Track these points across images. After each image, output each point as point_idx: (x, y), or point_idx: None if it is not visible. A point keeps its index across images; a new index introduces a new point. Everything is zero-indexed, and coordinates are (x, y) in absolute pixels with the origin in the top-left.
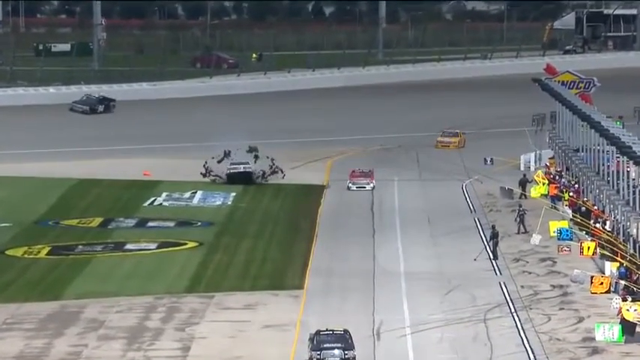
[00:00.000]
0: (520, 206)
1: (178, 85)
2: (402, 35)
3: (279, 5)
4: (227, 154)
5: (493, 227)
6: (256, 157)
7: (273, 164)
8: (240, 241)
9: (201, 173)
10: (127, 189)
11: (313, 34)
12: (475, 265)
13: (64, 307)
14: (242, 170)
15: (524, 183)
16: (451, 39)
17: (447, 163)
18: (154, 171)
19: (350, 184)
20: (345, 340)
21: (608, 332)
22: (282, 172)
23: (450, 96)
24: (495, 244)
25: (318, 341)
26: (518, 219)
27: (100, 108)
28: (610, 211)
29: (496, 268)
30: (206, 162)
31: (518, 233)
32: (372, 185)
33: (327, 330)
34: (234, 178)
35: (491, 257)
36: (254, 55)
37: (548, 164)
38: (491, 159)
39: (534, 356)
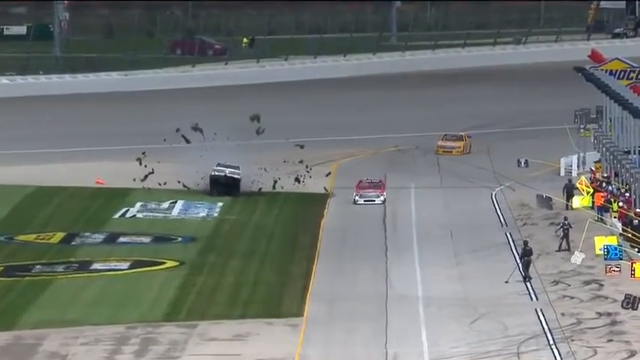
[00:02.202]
0: (565, 219)
1: (155, 76)
2: (420, 16)
3: None
4: (196, 129)
5: (525, 243)
6: (197, 129)
7: (303, 172)
8: (228, 260)
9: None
10: (93, 198)
11: (314, 14)
12: (506, 288)
13: (18, 339)
14: (224, 175)
15: (570, 190)
16: (478, 20)
17: (473, 167)
18: (116, 177)
19: (356, 197)
20: None
21: None
22: (298, 181)
23: (476, 88)
24: (527, 264)
25: None
26: (561, 233)
27: None
28: None
29: (531, 292)
30: (141, 158)
31: (559, 250)
32: (382, 198)
33: None
34: (215, 185)
35: (523, 279)
36: (245, 40)
37: (593, 169)
38: (526, 161)
39: None
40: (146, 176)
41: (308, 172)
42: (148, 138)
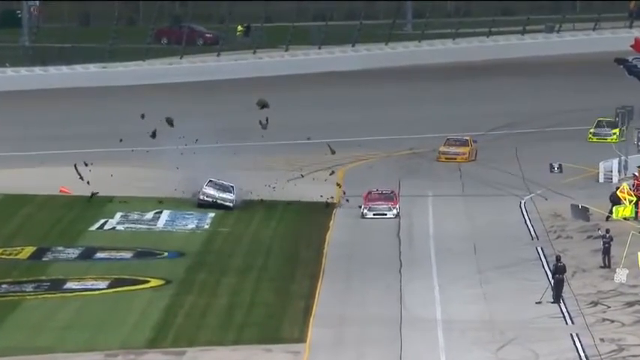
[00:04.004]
0: (607, 231)
1: (137, 68)
2: (439, 2)
3: None
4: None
5: (558, 259)
6: (168, 121)
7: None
8: (221, 278)
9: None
10: (67, 208)
11: None
12: (538, 310)
13: None
14: (213, 201)
15: (616, 200)
16: (505, 6)
17: (500, 173)
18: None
19: (365, 211)
20: None
21: None
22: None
23: (503, 83)
24: (559, 283)
25: None
26: (602, 248)
27: None
28: None
29: (566, 314)
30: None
31: (605, 266)
32: (394, 211)
33: None
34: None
35: (554, 299)
36: (239, 28)
37: (637, 174)
38: (560, 166)
39: None
40: (92, 195)
41: (302, 176)
42: (129, 140)
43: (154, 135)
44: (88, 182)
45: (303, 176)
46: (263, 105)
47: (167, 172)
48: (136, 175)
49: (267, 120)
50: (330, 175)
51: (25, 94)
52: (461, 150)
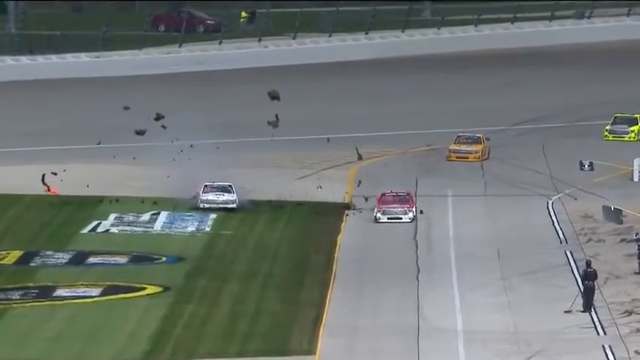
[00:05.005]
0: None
1: (132, 58)
2: None
3: None
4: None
5: (588, 264)
6: (157, 117)
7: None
8: (224, 285)
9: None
10: (57, 209)
11: None
12: (567, 320)
13: None
14: (217, 207)
15: None
16: None
17: (525, 171)
18: (86, 183)
19: (378, 214)
20: None
21: None
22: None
23: (529, 73)
24: (590, 290)
25: None
26: (637, 252)
27: None
28: None
29: (598, 324)
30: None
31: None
32: (411, 215)
33: None
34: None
35: (583, 308)
36: (243, 14)
37: None
38: (591, 163)
39: None
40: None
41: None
42: (125, 134)
43: (141, 133)
44: (88, 185)
45: (349, 207)
46: (274, 96)
47: (161, 171)
48: (128, 173)
49: (277, 117)
50: (358, 186)
51: (11, 85)
52: (473, 148)
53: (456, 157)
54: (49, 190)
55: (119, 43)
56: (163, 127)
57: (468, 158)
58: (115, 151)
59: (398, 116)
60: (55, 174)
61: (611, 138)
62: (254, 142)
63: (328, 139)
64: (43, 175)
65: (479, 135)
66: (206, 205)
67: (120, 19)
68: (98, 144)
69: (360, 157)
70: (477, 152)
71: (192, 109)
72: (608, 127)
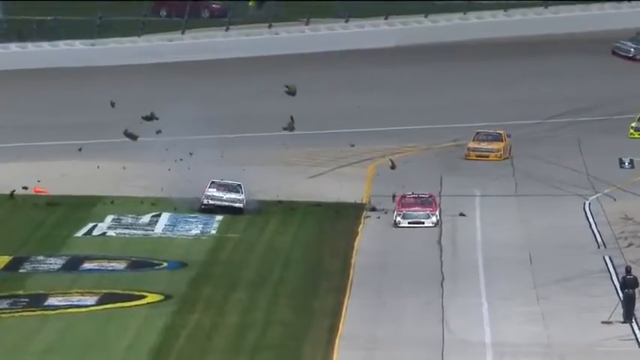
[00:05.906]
0: None
1: (131, 46)
2: None
3: None
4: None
5: (628, 270)
6: (150, 117)
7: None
8: (231, 293)
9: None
10: (49, 210)
11: None
12: (605, 331)
13: None
14: (223, 205)
15: None
16: None
17: (560, 168)
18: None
19: (398, 218)
20: None
21: None
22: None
23: (564, 62)
24: (630, 299)
25: None
26: None
27: None
28: None
29: (639, 336)
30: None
31: None
32: (434, 219)
33: None
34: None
35: (623, 318)
36: None
37: None
38: (631, 161)
39: None
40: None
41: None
42: (123, 128)
43: (133, 137)
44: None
45: (376, 209)
46: (291, 92)
47: (160, 168)
48: (127, 171)
49: (292, 119)
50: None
51: None
52: (494, 146)
53: (476, 156)
54: (36, 190)
55: (116, 29)
56: (158, 131)
57: (488, 157)
58: (111, 147)
59: (421, 109)
60: (26, 188)
61: (637, 136)
62: (263, 137)
63: (352, 145)
64: (12, 192)
65: (499, 132)
66: (210, 202)
67: (117, 3)
68: (79, 150)
69: (393, 167)
70: (498, 150)
71: (195, 101)
72: (633, 125)
